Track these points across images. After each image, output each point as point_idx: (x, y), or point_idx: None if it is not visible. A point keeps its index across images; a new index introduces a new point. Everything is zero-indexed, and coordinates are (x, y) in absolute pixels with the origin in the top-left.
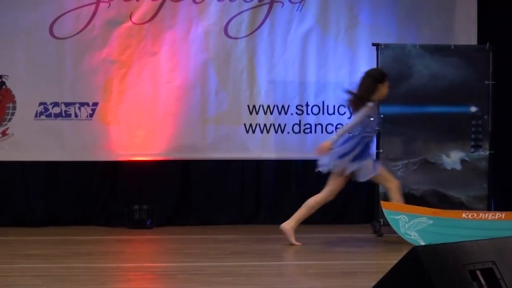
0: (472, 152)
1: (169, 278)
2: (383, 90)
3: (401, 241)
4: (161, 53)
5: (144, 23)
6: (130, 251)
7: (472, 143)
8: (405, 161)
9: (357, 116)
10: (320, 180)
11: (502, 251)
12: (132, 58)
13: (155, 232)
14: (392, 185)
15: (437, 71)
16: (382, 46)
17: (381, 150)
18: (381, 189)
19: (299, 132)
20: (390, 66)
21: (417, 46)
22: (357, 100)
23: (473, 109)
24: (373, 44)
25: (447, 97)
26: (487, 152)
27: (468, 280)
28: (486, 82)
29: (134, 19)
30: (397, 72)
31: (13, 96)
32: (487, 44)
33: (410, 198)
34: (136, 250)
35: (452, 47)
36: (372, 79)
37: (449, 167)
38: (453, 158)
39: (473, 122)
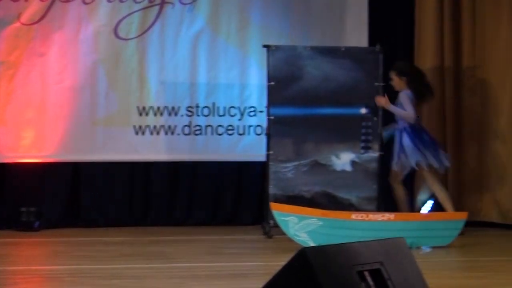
0: (362, 154)
1: (56, 281)
2: None
3: (291, 243)
4: (50, 54)
5: (33, 23)
6: (17, 254)
7: (362, 144)
8: (296, 163)
9: None
10: (210, 182)
11: (390, 252)
12: (20, 59)
13: (43, 235)
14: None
15: (328, 73)
16: (273, 48)
17: (271, 152)
18: (271, 190)
19: (189, 133)
20: (281, 67)
21: (308, 48)
22: None
23: (363, 110)
24: (264, 46)
25: (337, 99)
26: (377, 154)
27: (356, 281)
28: (376, 83)
29: (22, 19)
30: (288, 74)
31: None
32: (377, 45)
33: (300, 200)
34: (23, 253)
35: (343, 49)
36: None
37: (339, 169)
38: (343, 160)
39: (363, 124)
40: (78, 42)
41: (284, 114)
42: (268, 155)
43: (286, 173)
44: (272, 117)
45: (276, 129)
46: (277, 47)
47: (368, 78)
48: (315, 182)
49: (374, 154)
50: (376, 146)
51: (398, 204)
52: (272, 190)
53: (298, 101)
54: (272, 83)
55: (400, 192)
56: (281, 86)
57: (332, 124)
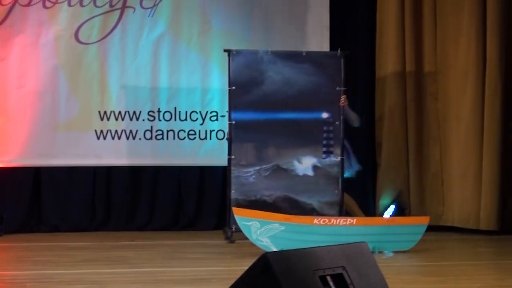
0: (323, 158)
1: (18, 286)
2: None
3: (253, 247)
4: (11, 58)
5: None
6: None
7: (324, 149)
8: (257, 167)
9: None
10: (171, 187)
11: (352, 256)
12: None
13: (4, 240)
14: None
15: (289, 78)
16: (234, 52)
17: (233, 156)
18: (232, 195)
19: (151, 138)
20: (242, 72)
21: (269, 52)
22: None
23: (325, 115)
24: (225, 50)
25: (299, 103)
26: (339, 158)
27: (318, 286)
28: (338, 88)
29: None
30: (249, 78)
31: None
32: (339, 50)
33: (262, 204)
34: None
35: (304, 53)
36: None
37: (301, 173)
38: (305, 164)
39: (325, 128)
40: (38, 47)
41: (245, 119)
42: (229, 160)
43: (247, 177)
44: (233, 122)
45: (237, 134)
46: (238, 52)
47: (330, 83)
48: (277, 186)
49: (335, 158)
50: (337, 150)
51: (351, 210)
52: (234, 195)
53: (260, 106)
54: (233, 87)
55: (346, 198)
56: (242, 91)
57: (294, 128)
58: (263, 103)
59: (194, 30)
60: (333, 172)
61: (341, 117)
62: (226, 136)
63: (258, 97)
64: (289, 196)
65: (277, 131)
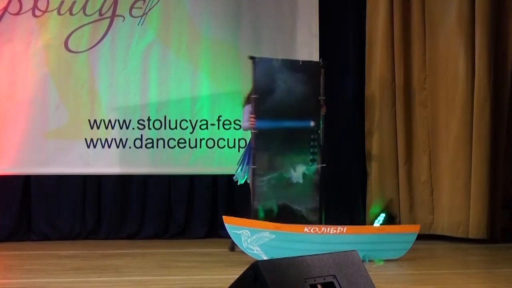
0: (310, 166)
1: None
2: None
3: (243, 256)
4: (0, 67)
5: None
6: None
7: (311, 156)
8: (268, 176)
9: None
10: (161, 195)
11: (343, 265)
12: None
13: None
14: None
15: (291, 86)
16: (258, 60)
17: (255, 166)
18: (254, 206)
19: (141, 146)
20: (262, 80)
21: (279, 61)
22: None
23: (312, 123)
24: (250, 58)
25: (296, 112)
26: (319, 165)
27: None
28: (319, 97)
29: None
30: (266, 86)
31: None
32: (321, 60)
33: (270, 213)
34: None
35: (300, 62)
36: None
37: (295, 181)
38: (297, 172)
39: (312, 137)
40: (28, 55)
41: (262, 127)
42: (253, 170)
43: (262, 186)
44: (256, 131)
45: (258, 143)
46: (260, 59)
47: (315, 91)
48: (279, 195)
49: (318, 165)
50: (319, 158)
51: None
52: (255, 205)
53: (271, 114)
54: (256, 95)
55: None
56: (261, 99)
57: (293, 137)
58: (274, 111)
59: (183, 39)
60: (315, 179)
61: (321, 125)
62: (217, 145)
63: (270, 106)
64: (287, 204)
65: (283, 140)
